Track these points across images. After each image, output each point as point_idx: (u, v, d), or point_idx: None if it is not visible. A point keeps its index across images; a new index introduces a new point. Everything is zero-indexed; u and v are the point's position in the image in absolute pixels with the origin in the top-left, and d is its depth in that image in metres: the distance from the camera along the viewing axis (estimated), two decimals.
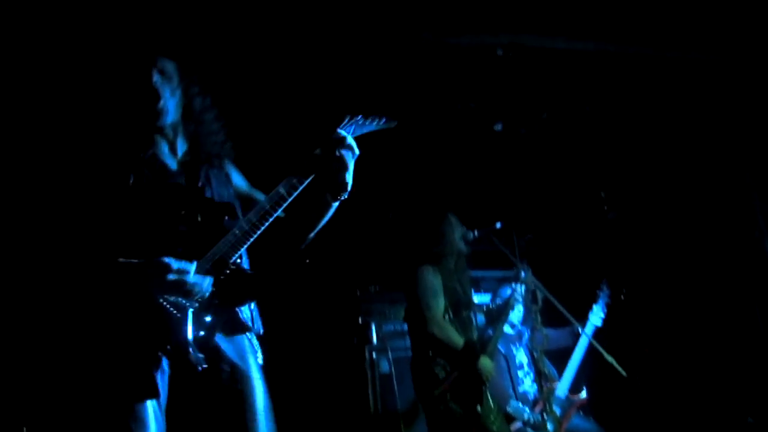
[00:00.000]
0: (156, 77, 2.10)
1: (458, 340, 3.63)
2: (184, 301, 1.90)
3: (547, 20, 4.30)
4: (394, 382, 4.56)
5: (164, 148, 2.18)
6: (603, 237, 5.59)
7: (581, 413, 4.49)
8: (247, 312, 2.07)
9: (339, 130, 2.10)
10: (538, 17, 4.26)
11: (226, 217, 2.09)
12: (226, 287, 1.97)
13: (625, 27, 4.42)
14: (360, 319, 4.91)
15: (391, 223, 4.93)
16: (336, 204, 2.14)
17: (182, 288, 1.88)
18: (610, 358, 4.09)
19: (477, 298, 4.83)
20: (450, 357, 3.64)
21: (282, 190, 2.03)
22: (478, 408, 3.55)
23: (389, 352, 4.74)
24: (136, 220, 1.98)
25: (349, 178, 2.08)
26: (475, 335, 3.89)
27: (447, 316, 3.74)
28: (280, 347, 4.88)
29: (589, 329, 4.44)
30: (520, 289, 4.20)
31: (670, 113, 5.08)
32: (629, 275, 5.35)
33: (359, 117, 2.20)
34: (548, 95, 4.85)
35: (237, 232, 2.00)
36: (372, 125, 2.23)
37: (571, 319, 4.12)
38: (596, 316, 4.53)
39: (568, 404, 4.34)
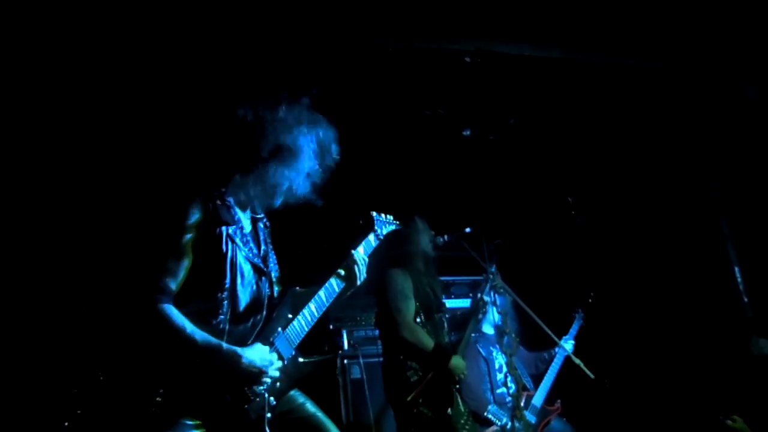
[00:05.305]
0: None
1: (429, 343, 3.61)
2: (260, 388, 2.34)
3: (513, 28, 4.36)
4: (366, 388, 4.53)
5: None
6: (571, 241, 5.66)
7: (557, 416, 4.56)
8: None
9: (354, 252, 2.81)
10: (504, 25, 4.31)
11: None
12: (288, 372, 2.48)
13: (590, 35, 4.50)
14: (331, 326, 4.88)
15: (360, 229, 4.92)
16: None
17: (265, 383, 2.35)
18: (578, 361, 4.15)
19: (448, 304, 4.84)
20: (421, 360, 3.62)
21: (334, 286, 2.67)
22: (449, 411, 3.54)
23: (360, 359, 4.71)
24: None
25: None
26: (446, 338, 3.88)
27: (418, 320, 3.73)
28: None
29: (568, 346, 4.62)
30: (491, 293, 4.21)
31: (635, 119, 5.18)
32: (597, 278, 5.43)
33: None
34: (515, 101, 4.91)
35: (302, 321, 2.53)
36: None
37: (540, 323, 4.14)
38: (571, 336, 4.80)
39: (543, 414, 4.42)
